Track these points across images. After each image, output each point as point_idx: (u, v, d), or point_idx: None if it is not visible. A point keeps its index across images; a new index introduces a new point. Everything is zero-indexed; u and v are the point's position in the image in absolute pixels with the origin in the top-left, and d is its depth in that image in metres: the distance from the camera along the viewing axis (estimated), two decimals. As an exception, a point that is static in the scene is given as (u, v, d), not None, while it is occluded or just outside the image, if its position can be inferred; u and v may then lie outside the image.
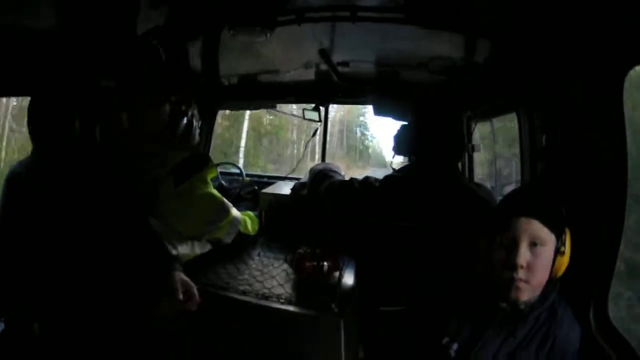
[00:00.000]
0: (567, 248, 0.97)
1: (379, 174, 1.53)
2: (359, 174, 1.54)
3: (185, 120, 1.27)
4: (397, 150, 1.50)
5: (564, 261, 0.97)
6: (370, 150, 17.47)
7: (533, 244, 0.94)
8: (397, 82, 1.97)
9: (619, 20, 0.88)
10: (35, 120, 1.10)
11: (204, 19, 1.27)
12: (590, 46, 1.00)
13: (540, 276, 0.96)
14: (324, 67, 1.85)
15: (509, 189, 2.22)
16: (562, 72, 1.15)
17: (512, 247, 0.95)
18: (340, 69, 1.87)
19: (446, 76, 1.75)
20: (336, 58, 1.77)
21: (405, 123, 1.48)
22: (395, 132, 1.52)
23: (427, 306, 1.13)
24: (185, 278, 1.20)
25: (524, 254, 0.94)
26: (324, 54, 1.66)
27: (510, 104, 1.62)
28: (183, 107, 1.25)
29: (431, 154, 1.36)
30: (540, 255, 0.94)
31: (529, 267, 0.94)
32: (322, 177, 1.56)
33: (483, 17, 1.19)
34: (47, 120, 1.08)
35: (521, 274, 0.94)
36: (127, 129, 1.15)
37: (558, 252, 0.96)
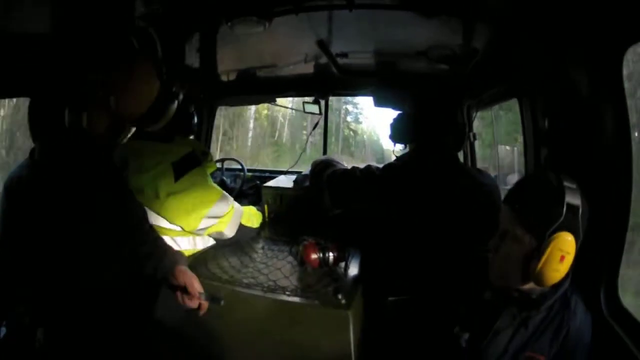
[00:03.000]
0: (549, 258, 0.83)
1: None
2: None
3: (176, 104, 1.20)
4: (395, 138, 1.48)
5: (547, 268, 0.84)
6: (364, 138, 12.31)
7: (505, 232, 0.91)
8: (397, 71, 1.95)
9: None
10: (36, 120, 1.09)
11: (201, 11, 1.25)
12: (589, 26, 0.98)
13: (507, 267, 0.92)
14: (322, 59, 1.83)
15: (511, 177, 2.21)
16: (561, 54, 1.14)
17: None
18: (339, 60, 1.85)
19: (446, 64, 1.73)
20: (334, 49, 1.75)
21: (403, 111, 1.47)
22: (391, 120, 1.50)
23: (436, 295, 1.12)
24: (190, 272, 1.19)
25: (495, 239, 0.93)
26: (323, 45, 1.65)
27: (512, 90, 1.61)
28: (174, 89, 1.17)
29: (430, 141, 1.35)
30: (507, 247, 0.91)
31: (497, 254, 0.93)
32: (323, 167, 1.56)
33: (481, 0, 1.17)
34: (47, 119, 1.07)
35: (491, 256, 0.94)
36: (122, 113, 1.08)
37: (532, 255, 0.86)
